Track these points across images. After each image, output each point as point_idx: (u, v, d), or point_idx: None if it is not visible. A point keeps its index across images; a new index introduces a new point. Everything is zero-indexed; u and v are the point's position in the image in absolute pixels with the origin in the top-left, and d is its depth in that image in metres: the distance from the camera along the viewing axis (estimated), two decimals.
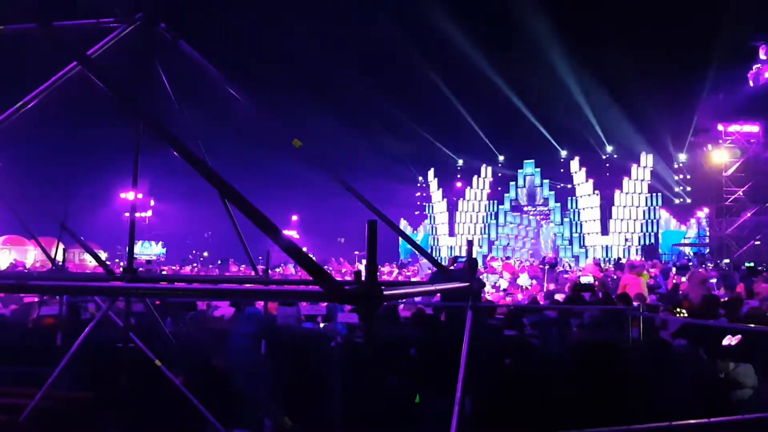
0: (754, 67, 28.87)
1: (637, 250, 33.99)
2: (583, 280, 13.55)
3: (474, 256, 4.41)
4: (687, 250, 33.64)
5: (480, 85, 35.67)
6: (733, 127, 29.32)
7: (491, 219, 39.70)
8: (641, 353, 5.41)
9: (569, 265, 29.97)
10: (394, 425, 2.36)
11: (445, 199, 41.58)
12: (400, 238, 30.16)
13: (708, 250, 30.88)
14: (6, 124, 3.67)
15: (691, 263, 25.46)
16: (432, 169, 42.35)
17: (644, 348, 5.44)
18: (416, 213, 46.49)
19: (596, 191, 36.81)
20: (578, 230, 37.51)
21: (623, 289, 10.05)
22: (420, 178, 45.94)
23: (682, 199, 38.60)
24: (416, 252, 5.75)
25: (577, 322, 6.96)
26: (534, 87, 36.14)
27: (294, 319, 6.79)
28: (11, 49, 4.47)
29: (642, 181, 35.52)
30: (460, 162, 44.08)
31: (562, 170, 39.75)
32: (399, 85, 39.36)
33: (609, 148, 39.44)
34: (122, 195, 36.82)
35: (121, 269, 4.40)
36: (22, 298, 8.06)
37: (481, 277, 16.99)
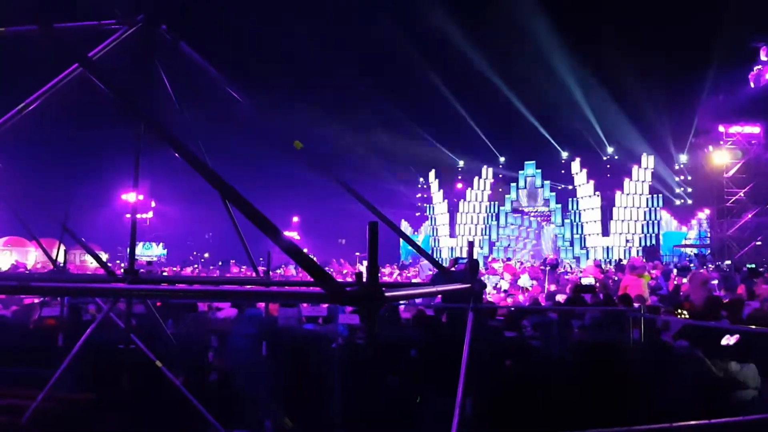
0: (755, 68, 28.89)
1: (638, 251, 33.96)
2: (584, 281, 13.53)
3: (475, 257, 4.40)
4: (688, 250, 33.63)
5: (481, 86, 35.77)
6: (734, 129, 29.34)
7: (492, 220, 39.70)
8: (642, 354, 5.40)
9: (570, 266, 29.93)
10: (394, 426, 2.35)
11: (446, 200, 41.60)
12: (401, 240, 30.22)
13: (709, 252, 30.86)
14: (7, 126, 3.68)
15: (692, 264, 25.43)
16: (433, 170, 42.40)
17: (645, 349, 5.43)
18: (417, 214, 46.55)
19: (597, 192, 36.83)
20: (579, 231, 37.52)
21: (624, 290, 10.03)
22: (421, 179, 46.01)
23: (683, 201, 38.62)
24: (417, 253, 5.75)
25: (578, 323, 6.95)
26: (535, 88, 36.21)
27: (295, 321, 6.79)
28: (12, 50, 4.48)
29: (643, 182, 35.52)
30: (461, 163, 44.13)
31: (563, 171, 39.82)
32: (399, 86, 39.49)
33: (610, 150, 39.50)
34: (123, 196, 36.83)
35: (122, 270, 4.40)
36: (23, 299, 8.06)
37: (482, 278, 16.96)
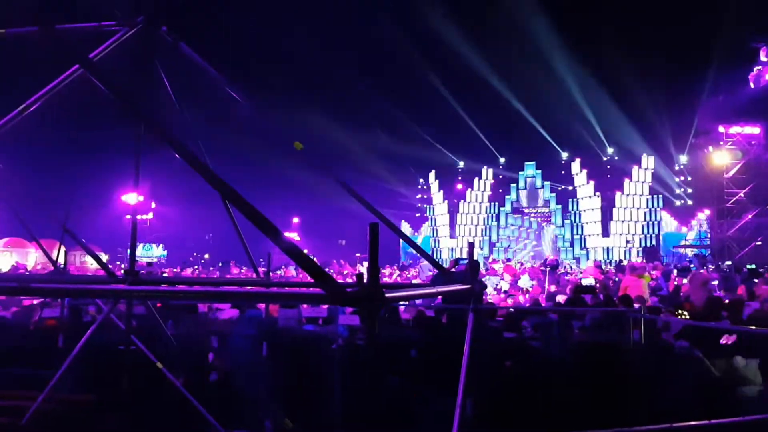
0: (755, 68, 28.88)
1: (638, 251, 33.95)
2: (585, 282, 13.53)
3: (475, 258, 4.40)
4: (688, 251, 33.61)
5: (481, 86, 35.77)
6: (734, 129, 29.34)
7: (492, 221, 39.70)
8: (642, 355, 5.40)
9: (570, 266, 29.93)
10: (394, 427, 2.35)
11: (446, 201, 41.60)
12: (401, 240, 30.22)
13: (709, 252, 30.85)
14: (8, 127, 3.68)
15: (692, 265, 25.42)
16: (433, 171, 42.41)
17: (645, 350, 5.43)
18: (417, 215, 46.53)
19: (597, 193, 36.83)
20: (579, 232, 37.52)
21: (624, 291, 10.03)
22: (421, 180, 46.00)
23: (683, 201, 38.62)
24: (417, 254, 5.76)
25: (579, 324, 6.95)
26: (535, 89, 36.20)
27: (295, 321, 6.79)
28: (13, 52, 4.48)
29: (643, 182, 35.52)
30: (461, 164, 44.11)
31: (563, 172, 39.83)
32: (400, 87, 39.51)
33: (610, 150, 39.50)
34: (123, 197, 36.81)
35: (123, 272, 4.40)
36: (23, 300, 8.06)
37: (482, 279, 16.98)
